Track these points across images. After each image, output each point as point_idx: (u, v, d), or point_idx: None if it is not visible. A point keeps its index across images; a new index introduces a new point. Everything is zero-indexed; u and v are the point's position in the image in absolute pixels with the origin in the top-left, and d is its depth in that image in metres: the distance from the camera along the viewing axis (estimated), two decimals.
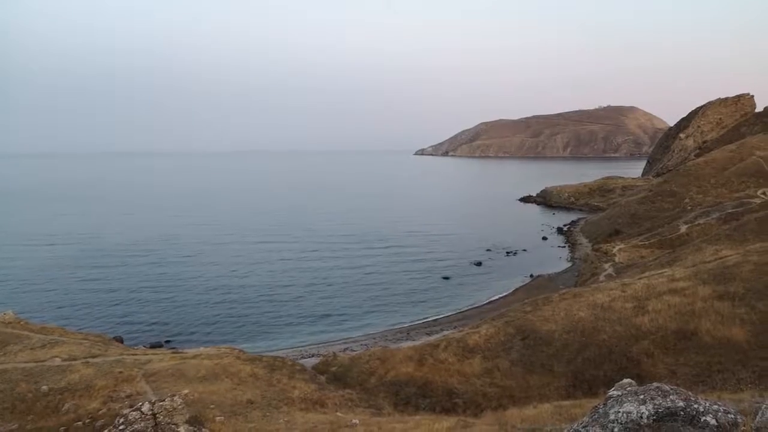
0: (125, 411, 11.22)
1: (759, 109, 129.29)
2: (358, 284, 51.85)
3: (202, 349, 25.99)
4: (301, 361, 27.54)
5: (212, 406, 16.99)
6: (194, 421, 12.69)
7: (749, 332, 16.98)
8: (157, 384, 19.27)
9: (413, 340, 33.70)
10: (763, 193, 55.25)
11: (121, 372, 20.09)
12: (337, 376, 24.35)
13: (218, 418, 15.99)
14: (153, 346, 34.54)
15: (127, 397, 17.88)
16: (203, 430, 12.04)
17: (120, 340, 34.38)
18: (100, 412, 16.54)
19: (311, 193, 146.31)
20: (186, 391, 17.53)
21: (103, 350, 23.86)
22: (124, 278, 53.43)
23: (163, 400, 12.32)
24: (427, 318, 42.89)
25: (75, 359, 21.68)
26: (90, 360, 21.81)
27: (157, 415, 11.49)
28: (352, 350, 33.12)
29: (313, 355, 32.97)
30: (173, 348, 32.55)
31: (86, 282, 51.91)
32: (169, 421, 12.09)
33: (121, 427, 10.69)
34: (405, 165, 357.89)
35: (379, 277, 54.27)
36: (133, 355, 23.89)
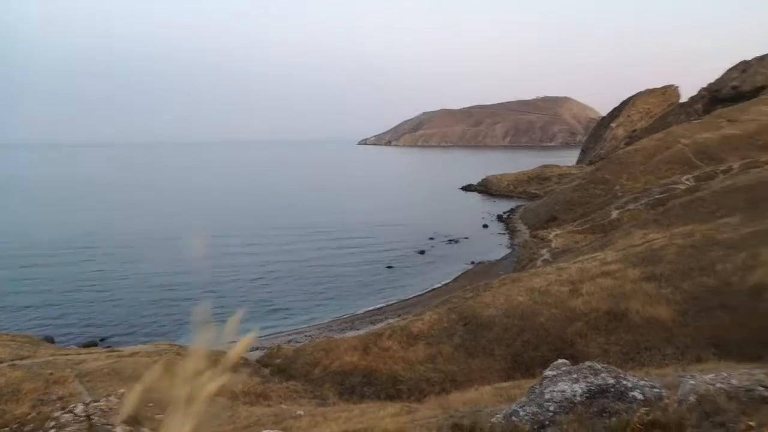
0: (57, 414, 10.73)
1: (684, 99, 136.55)
2: (302, 276, 51.41)
3: (139, 346, 25.18)
4: (245, 355, 27.13)
5: (151, 405, 16.49)
6: (132, 420, 12.29)
7: (674, 311, 18.00)
8: (92, 384, 18.52)
9: (358, 330, 33.83)
10: (687, 180, 58.44)
11: (52, 373, 19.18)
12: (282, 368, 24.17)
13: (158, 416, 15.56)
14: (87, 346, 33.00)
15: (59, 399, 17.08)
16: (142, 429, 11.69)
17: (51, 340, 32.77)
18: (30, 417, 15.72)
19: (252, 185, 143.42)
20: (122, 391, 16.93)
21: (32, 351, 22.69)
22: (55, 276, 50.73)
23: (98, 401, 11.86)
24: (371, 307, 43.09)
25: (1, 362, 20.53)
26: (17, 362, 20.69)
27: (92, 417, 11.06)
28: (297, 342, 32.91)
29: (256, 348, 32.51)
30: (109, 347, 31.31)
31: (12, 282, 48.99)
32: (105, 421, 11.66)
33: (52, 431, 10.22)
34: (348, 155, 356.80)
35: (323, 269, 53.98)
36: (65, 355, 22.85)
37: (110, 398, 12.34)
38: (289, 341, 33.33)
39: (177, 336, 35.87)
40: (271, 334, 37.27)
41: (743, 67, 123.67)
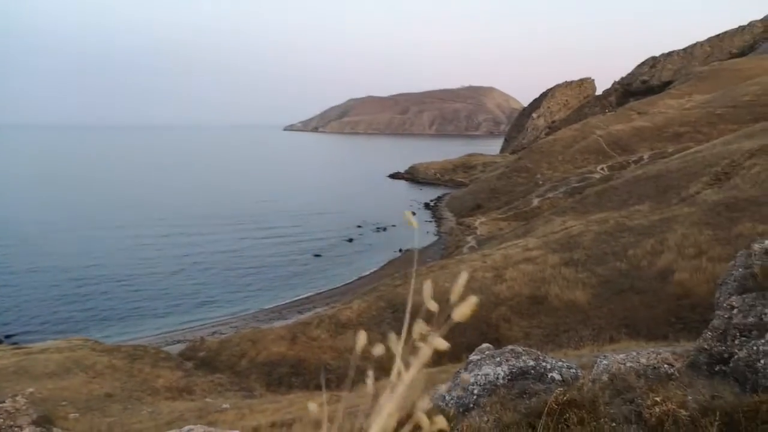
0: None
1: (599, 92, 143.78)
2: (227, 266, 50.03)
3: (50, 342, 23.70)
4: (166, 349, 26.19)
5: (64, 403, 15.61)
6: (43, 420, 11.55)
7: (590, 294, 18.98)
8: None
9: (286, 320, 33.42)
10: (602, 169, 61.67)
11: None
12: (206, 361, 23.51)
13: (72, 415, 14.73)
14: None
15: None
16: (54, 429, 11.01)
17: None
18: None
19: (174, 172, 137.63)
20: (31, 390, 15.89)
21: None
22: None
23: (3, 402, 11.06)
24: (299, 296, 42.67)
25: None
26: None
27: None
28: (222, 333, 32.10)
29: (179, 341, 31.46)
30: (15, 344, 29.26)
31: None
32: (12, 423, 10.90)
33: None
34: (274, 141, 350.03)
35: (249, 259, 52.79)
36: None
37: (17, 398, 11.54)
38: (214, 333, 32.47)
39: (91, 330, 34.08)
40: (193, 326, 36.14)
41: (652, 62, 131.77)
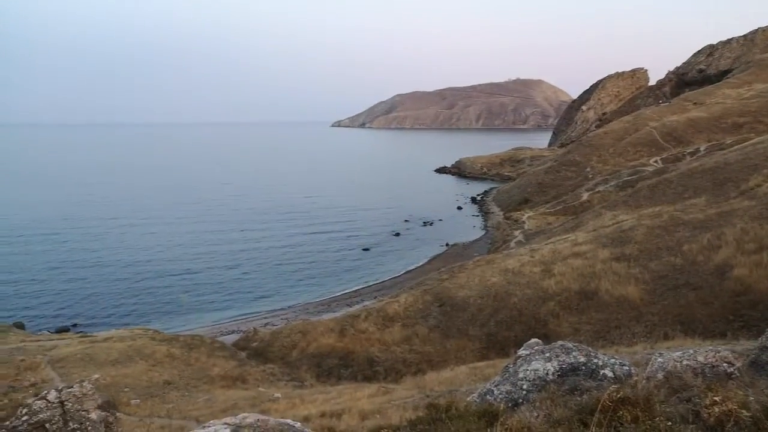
0: (29, 400, 10.60)
1: (652, 82, 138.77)
2: (278, 259, 51.23)
3: (113, 331, 24.89)
4: (221, 339, 27.06)
5: (126, 390, 16.41)
6: (107, 405, 12.19)
7: (642, 290, 18.50)
8: (65, 370, 18.29)
9: (334, 312, 33.94)
10: (655, 162, 59.64)
11: (23, 360, 18.88)
12: (259, 351, 24.18)
13: (134, 401, 15.48)
14: (59, 331, 32.47)
15: (32, 385, 16.86)
16: (117, 414, 11.60)
17: (21, 326, 32.11)
18: (1, 404, 15.52)
19: (228, 168, 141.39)
20: (97, 376, 16.73)
21: (1, 338, 22.26)
22: (24, 260, 49.58)
23: (72, 387, 11.73)
24: (347, 290, 43.22)
25: None
26: None
27: (65, 403, 10.96)
28: (273, 325, 32.89)
29: (233, 332, 32.45)
30: (82, 332, 30.85)
31: None
32: (79, 407, 11.54)
33: (24, 418, 10.10)
34: (322, 137, 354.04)
35: (299, 252, 53.86)
36: (36, 341, 22.48)
37: (84, 384, 12.23)
38: (266, 324, 33.30)
39: (152, 321, 35.54)
40: (246, 317, 37.19)
41: (709, 50, 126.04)
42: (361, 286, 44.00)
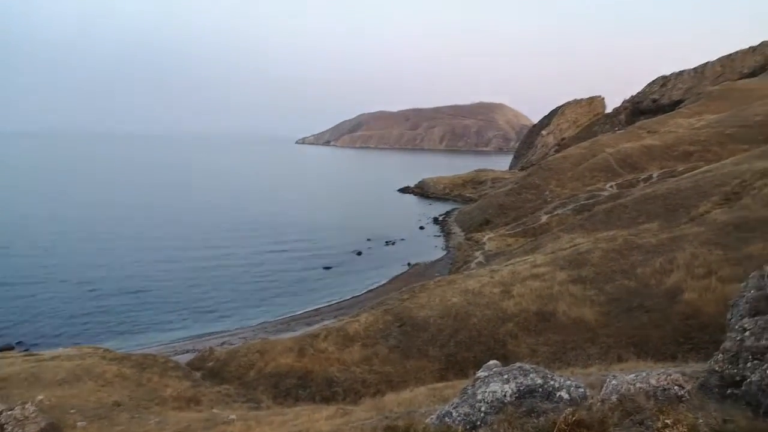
0: None
1: (608, 110, 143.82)
2: (238, 278, 50.32)
3: (61, 350, 23.83)
4: (175, 358, 26.27)
5: (73, 411, 15.69)
6: (51, 428, 11.62)
7: (597, 312, 18.90)
8: (7, 391, 17.37)
9: (294, 331, 33.44)
10: (611, 187, 61.46)
11: None
12: (214, 371, 23.57)
13: (80, 423, 14.80)
14: (2, 350, 30.94)
15: None
16: None
17: None
18: None
19: (188, 183, 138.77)
20: (41, 397, 15.99)
21: None
22: None
23: (13, 409, 11.13)
24: (308, 308, 42.74)
25: None
26: None
27: (5, 426, 10.42)
28: (231, 344, 32.16)
29: (188, 351, 31.57)
30: (27, 350, 29.47)
31: None
32: (21, 431, 10.98)
33: None
34: (287, 153, 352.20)
35: (259, 270, 53.06)
36: None
37: (26, 406, 11.60)
38: (223, 344, 32.54)
39: (104, 340, 34.28)
40: (202, 336, 36.29)
41: (662, 81, 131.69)
42: (321, 305, 43.58)
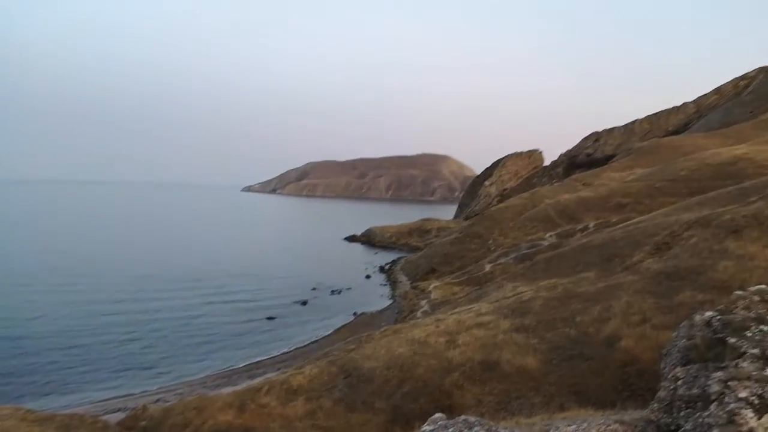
0: None
1: (547, 163, 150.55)
2: (176, 330, 48.18)
3: None
4: (105, 418, 24.63)
5: None
6: None
7: (540, 360, 19.14)
8: None
9: (235, 386, 32.16)
10: (551, 236, 63.50)
11: None
12: (148, 430, 22.20)
13: None
14: None
15: None
16: None
17: None
18: None
19: (123, 230, 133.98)
20: None
21: None
22: None
23: None
24: (250, 361, 41.32)
25: None
26: None
27: None
28: (166, 401, 30.49)
29: (119, 410, 29.67)
30: None
31: None
32: None
33: None
34: (232, 201, 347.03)
35: (199, 322, 51.10)
36: None
37: None
38: (158, 401, 30.82)
39: (27, 399, 31.82)
40: (136, 393, 34.33)
41: (595, 137, 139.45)
42: (264, 358, 42.25)
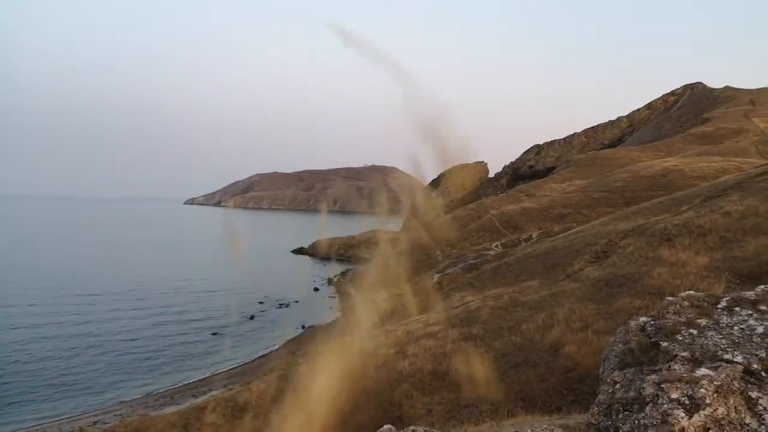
0: None
1: (491, 174, 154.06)
2: (115, 348, 46.22)
3: None
4: None
5: None
6: None
7: (488, 368, 19.46)
8: None
9: (178, 405, 31.11)
10: (496, 246, 64.90)
11: None
12: None
13: None
14: None
15: None
16: None
17: None
18: None
19: (52, 247, 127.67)
20: None
21: None
22: None
23: None
24: (194, 378, 40.09)
25: None
26: None
27: None
28: (105, 423, 29.17)
29: None
30: None
31: None
32: None
33: None
34: (174, 215, 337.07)
35: (140, 338, 49.20)
36: None
37: None
38: (96, 423, 29.44)
39: None
40: (71, 415, 32.64)
41: (537, 149, 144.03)
42: (209, 374, 41.09)
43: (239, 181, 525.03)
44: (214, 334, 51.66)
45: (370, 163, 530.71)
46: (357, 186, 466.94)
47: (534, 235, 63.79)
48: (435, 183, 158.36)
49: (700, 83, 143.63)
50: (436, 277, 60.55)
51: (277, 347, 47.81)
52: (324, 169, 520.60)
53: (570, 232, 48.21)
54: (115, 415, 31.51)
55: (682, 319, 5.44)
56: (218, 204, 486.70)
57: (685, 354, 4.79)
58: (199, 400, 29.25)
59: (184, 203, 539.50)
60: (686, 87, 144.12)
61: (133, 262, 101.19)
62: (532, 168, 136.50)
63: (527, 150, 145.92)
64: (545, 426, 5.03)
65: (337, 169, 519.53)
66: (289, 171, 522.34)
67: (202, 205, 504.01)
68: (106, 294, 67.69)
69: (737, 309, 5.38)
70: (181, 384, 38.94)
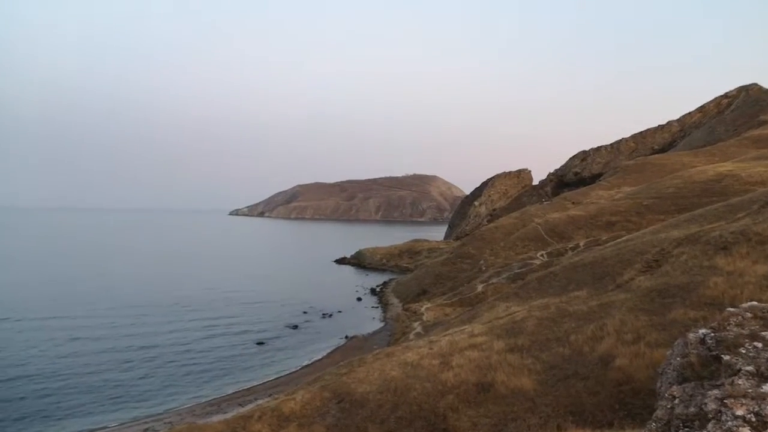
0: None
1: (535, 182, 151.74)
2: (165, 358, 47.44)
3: None
4: None
5: None
6: None
7: (535, 381, 19.01)
8: None
9: (224, 413, 31.62)
10: (542, 255, 63.70)
11: None
12: None
13: None
14: None
15: None
16: None
17: None
18: None
19: (110, 257, 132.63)
20: None
21: None
22: None
23: None
24: (240, 388, 40.69)
25: None
26: None
27: None
28: (155, 430, 29.93)
29: None
30: None
31: None
32: None
33: None
34: (219, 225, 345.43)
35: (189, 349, 50.35)
36: None
37: None
38: (146, 430, 30.23)
39: (11, 430, 31.09)
40: (124, 423, 33.62)
41: (583, 156, 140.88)
42: (255, 384, 41.63)
43: (282, 192, 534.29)
44: (259, 344, 52.41)
45: (411, 172, 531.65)
46: (399, 195, 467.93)
47: (581, 244, 62.31)
48: (478, 191, 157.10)
49: (756, 84, 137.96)
50: (480, 287, 59.86)
51: (320, 357, 48.08)
52: (365, 179, 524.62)
53: (619, 240, 46.85)
54: (165, 423, 32.27)
55: (744, 332, 5.15)
56: (261, 214, 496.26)
57: (749, 368, 4.53)
58: (246, 409, 29.63)
59: (229, 214, 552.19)
60: (740, 89, 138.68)
61: (180, 273, 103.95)
62: (577, 175, 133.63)
63: (573, 156, 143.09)
64: None
65: (378, 178, 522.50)
66: (332, 181, 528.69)
67: (247, 215, 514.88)
68: (154, 305, 69.57)
69: None
70: (228, 393, 39.58)
